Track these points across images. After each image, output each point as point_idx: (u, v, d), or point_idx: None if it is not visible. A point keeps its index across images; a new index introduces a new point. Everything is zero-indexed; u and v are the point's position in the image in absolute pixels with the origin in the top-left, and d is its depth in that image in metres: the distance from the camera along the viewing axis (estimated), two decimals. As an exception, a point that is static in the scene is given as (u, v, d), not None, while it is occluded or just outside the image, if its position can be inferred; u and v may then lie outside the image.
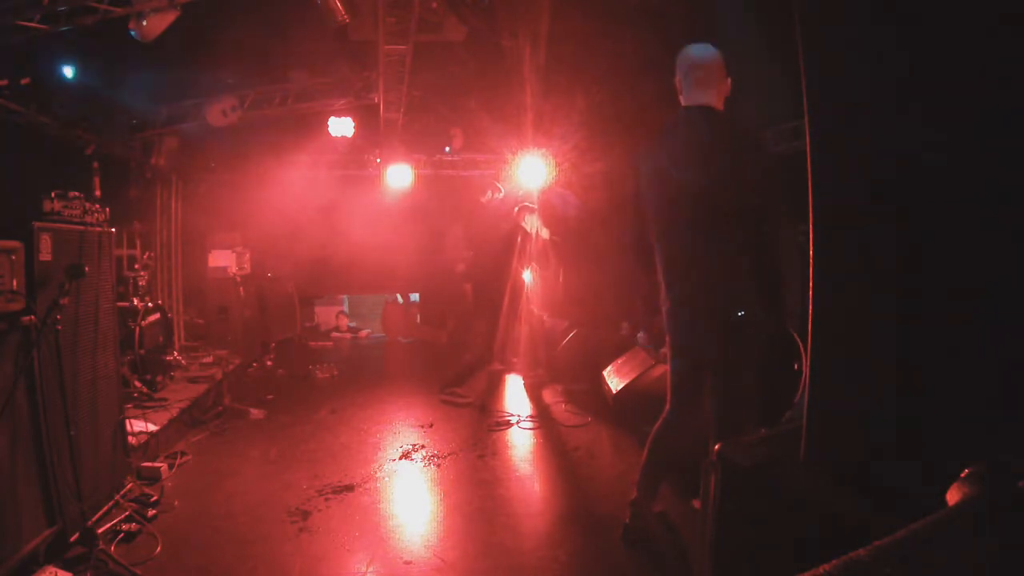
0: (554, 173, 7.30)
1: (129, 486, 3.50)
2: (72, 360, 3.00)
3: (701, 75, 2.65)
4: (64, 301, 2.73)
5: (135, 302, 5.25)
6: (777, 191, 2.57)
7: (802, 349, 2.99)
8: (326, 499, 3.58)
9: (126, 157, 6.67)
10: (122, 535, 3.04)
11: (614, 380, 5.20)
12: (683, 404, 2.84)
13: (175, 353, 6.12)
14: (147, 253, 6.33)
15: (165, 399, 4.85)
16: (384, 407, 5.67)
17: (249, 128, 7.08)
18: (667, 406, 2.90)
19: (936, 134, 1.35)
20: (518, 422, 5.17)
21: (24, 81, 4.62)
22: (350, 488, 3.74)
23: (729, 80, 2.73)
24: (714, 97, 2.67)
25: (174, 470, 3.95)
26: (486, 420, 5.24)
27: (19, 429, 2.60)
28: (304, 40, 5.81)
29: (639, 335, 6.54)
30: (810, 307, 1.58)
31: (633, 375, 5.00)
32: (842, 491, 1.48)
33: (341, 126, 7.46)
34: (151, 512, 3.28)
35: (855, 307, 1.53)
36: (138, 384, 4.89)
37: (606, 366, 5.48)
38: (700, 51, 2.68)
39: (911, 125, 1.40)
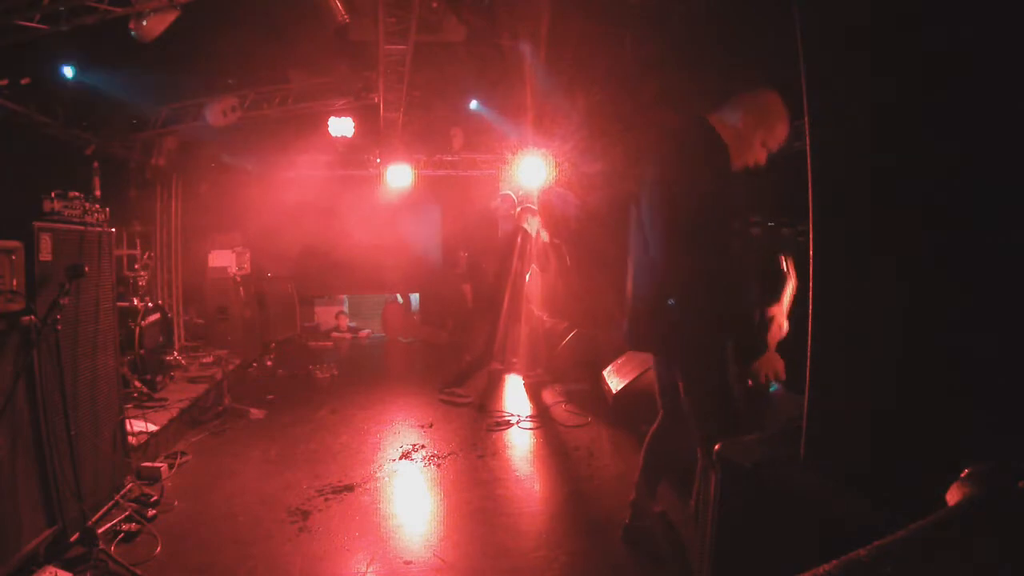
0: (554, 173, 7.31)
1: (129, 486, 3.50)
2: (72, 360, 3.00)
3: (738, 101, 2.58)
4: (64, 301, 2.73)
5: (135, 302, 5.25)
6: (732, 202, 2.47)
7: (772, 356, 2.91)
8: (326, 499, 3.58)
9: (126, 157, 6.67)
10: (122, 535, 3.04)
11: (614, 380, 5.20)
12: (671, 408, 2.84)
13: (175, 353, 6.12)
14: (147, 253, 6.33)
15: (165, 399, 4.85)
16: (384, 407, 5.67)
17: (249, 128, 7.08)
18: (660, 411, 2.91)
19: (936, 133, 1.35)
20: (518, 422, 5.17)
21: (24, 81, 4.63)
22: (350, 488, 3.74)
23: (770, 134, 2.57)
24: (733, 119, 2.56)
25: (174, 470, 3.94)
26: (486, 420, 5.24)
27: (19, 429, 2.60)
28: (304, 40, 5.81)
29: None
30: (810, 307, 1.58)
31: (633, 375, 4.99)
32: (842, 491, 1.48)
33: (341, 126, 7.46)
34: (151, 512, 3.28)
35: (855, 307, 1.53)
36: (138, 384, 4.89)
37: (606, 366, 5.48)
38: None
39: (911, 124, 1.40)
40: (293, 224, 8.39)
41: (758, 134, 2.52)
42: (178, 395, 5.02)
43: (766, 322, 2.50)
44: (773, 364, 2.49)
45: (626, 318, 2.80)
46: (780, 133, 2.56)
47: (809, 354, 1.60)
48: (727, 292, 2.44)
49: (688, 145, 2.58)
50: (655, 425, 2.93)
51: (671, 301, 2.49)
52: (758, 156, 2.55)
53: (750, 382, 2.52)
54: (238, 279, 7.41)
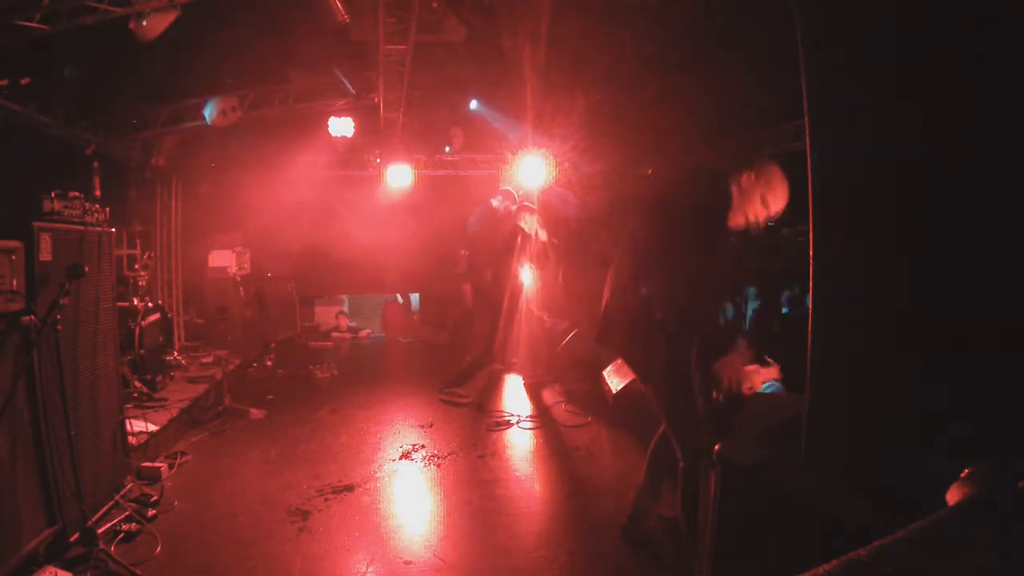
0: (554, 173, 7.30)
1: (129, 486, 3.50)
2: (72, 360, 3.00)
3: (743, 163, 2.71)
4: (64, 301, 2.73)
5: (135, 302, 5.25)
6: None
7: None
8: (326, 499, 3.58)
9: (126, 157, 6.67)
10: (122, 535, 3.04)
11: (614, 380, 5.20)
12: None
13: (175, 353, 6.11)
14: (147, 253, 6.33)
15: (165, 399, 4.85)
16: (384, 407, 5.67)
17: (249, 128, 7.07)
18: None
19: (937, 132, 1.35)
20: (518, 422, 5.17)
21: (24, 81, 4.62)
22: (350, 488, 3.74)
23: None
24: (736, 172, 2.70)
25: (174, 470, 3.94)
26: (486, 420, 5.24)
27: (19, 429, 2.60)
28: (304, 40, 5.81)
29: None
30: (810, 307, 1.58)
31: (633, 375, 4.99)
32: (842, 491, 1.48)
33: (341, 126, 7.46)
34: (151, 512, 3.28)
35: (855, 307, 1.53)
36: (138, 384, 4.89)
37: (606, 366, 5.47)
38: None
39: (911, 125, 1.40)
40: (293, 224, 8.39)
41: (759, 188, 2.64)
42: (178, 395, 5.02)
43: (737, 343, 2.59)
44: (736, 371, 2.56)
45: (601, 317, 2.90)
46: (780, 194, 2.67)
47: (809, 354, 1.60)
48: (704, 298, 2.56)
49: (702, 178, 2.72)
50: (661, 428, 2.96)
51: (643, 290, 2.61)
52: (758, 211, 2.67)
53: (715, 393, 2.57)
54: (238, 279, 7.41)
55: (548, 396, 5.99)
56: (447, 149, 8.83)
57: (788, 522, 1.53)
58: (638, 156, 8.07)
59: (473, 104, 8.09)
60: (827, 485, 1.51)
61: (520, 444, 4.72)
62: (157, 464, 3.85)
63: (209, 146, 7.69)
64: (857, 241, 1.52)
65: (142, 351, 5.01)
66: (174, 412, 4.60)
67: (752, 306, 2.91)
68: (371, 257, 9.05)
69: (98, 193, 3.47)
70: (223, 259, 7.46)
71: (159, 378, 5.19)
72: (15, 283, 2.58)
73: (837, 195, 1.54)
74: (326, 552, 3.01)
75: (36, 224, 2.77)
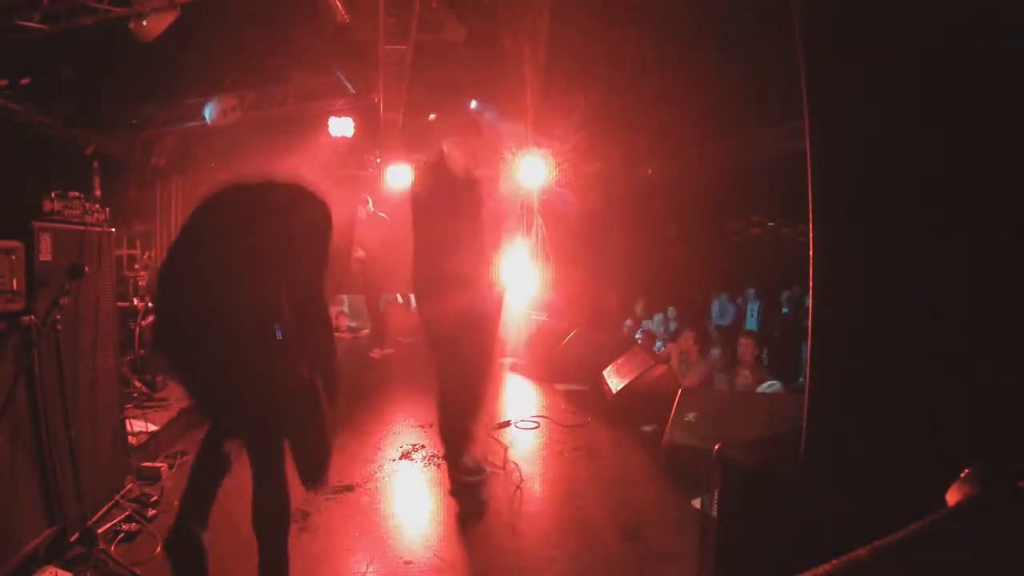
0: (554, 173, 7.32)
1: (129, 486, 3.50)
2: (72, 360, 3.00)
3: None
4: (64, 301, 2.73)
5: (135, 302, 5.25)
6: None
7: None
8: (326, 499, 3.58)
9: (126, 157, 6.68)
10: (122, 535, 3.03)
11: (614, 380, 5.21)
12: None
13: (175, 353, 6.11)
14: (147, 253, 6.33)
15: (165, 399, 4.85)
16: (384, 407, 5.66)
17: (249, 128, 7.08)
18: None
19: (937, 132, 1.35)
20: (518, 422, 5.17)
21: (24, 81, 4.63)
22: (350, 488, 3.74)
23: None
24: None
25: (174, 470, 3.94)
26: (486, 420, 5.23)
27: (19, 429, 2.60)
28: (304, 40, 5.81)
29: (637, 335, 6.54)
30: (810, 308, 1.58)
31: (633, 375, 5.00)
32: (842, 491, 1.48)
33: (341, 126, 7.47)
34: (151, 512, 3.28)
35: (855, 308, 1.53)
36: (138, 384, 4.89)
37: (606, 366, 5.48)
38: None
39: (912, 123, 1.40)
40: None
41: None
42: (178, 395, 5.00)
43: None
44: None
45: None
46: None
47: (809, 354, 1.60)
48: None
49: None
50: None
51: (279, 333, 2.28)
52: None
53: None
54: (238, 279, 7.40)
55: (548, 396, 5.99)
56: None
57: (788, 522, 1.53)
58: (637, 156, 8.07)
59: (473, 104, 8.10)
60: (827, 485, 1.52)
61: (520, 444, 4.72)
62: (157, 464, 3.84)
63: (209, 146, 7.70)
64: (857, 241, 1.52)
65: (142, 351, 5.02)
66: (174, 412, 4.60)
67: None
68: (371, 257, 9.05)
69: (98, 193, 3.46)
70: (223, 259, 7.45)
71: (159, 378, 5.19)
72: (15, 283, 2.58)
73: (837, 195, 1.54)
74: (326, 552, 3.01)
75: (36, 224, 2.77)
